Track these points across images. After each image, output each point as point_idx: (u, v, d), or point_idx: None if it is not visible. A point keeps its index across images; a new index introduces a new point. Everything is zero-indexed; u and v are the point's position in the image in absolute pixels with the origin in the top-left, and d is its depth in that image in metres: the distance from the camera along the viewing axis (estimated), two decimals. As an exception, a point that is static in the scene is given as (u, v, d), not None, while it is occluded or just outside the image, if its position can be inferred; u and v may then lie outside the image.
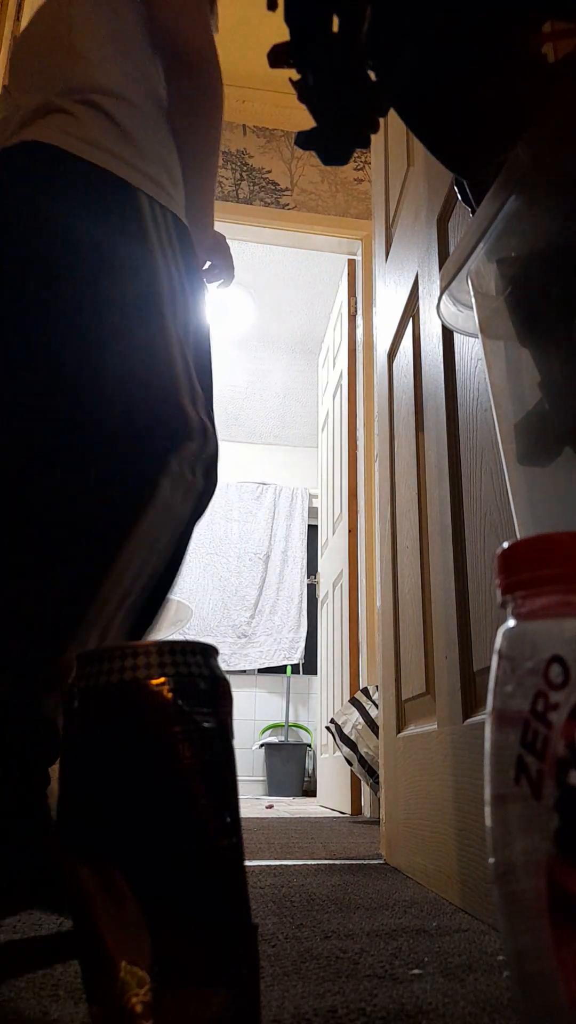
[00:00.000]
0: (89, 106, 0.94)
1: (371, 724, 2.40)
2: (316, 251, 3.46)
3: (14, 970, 0.61)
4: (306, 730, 5.09)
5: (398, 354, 1.44)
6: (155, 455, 0.85)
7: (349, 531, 3.03)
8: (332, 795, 3.06)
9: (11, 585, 0.81)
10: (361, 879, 1.09)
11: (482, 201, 0.56)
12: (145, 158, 0.95)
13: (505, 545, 0.33)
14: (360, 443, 3.02)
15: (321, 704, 3.45)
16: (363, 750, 2.39)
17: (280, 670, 5.16)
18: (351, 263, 3.31)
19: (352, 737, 2.46)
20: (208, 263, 1.18)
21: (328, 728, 2.71)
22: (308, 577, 5.26)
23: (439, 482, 1.06)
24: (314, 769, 4.69)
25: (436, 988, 0.53)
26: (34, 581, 0.81)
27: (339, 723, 2.57)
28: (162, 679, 0.36)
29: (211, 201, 1.10)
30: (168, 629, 3.83)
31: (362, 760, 2.39)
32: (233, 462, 5.27)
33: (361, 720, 2.46)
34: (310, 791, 4.69)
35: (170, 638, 0.95)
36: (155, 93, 1.01)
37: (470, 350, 0.95)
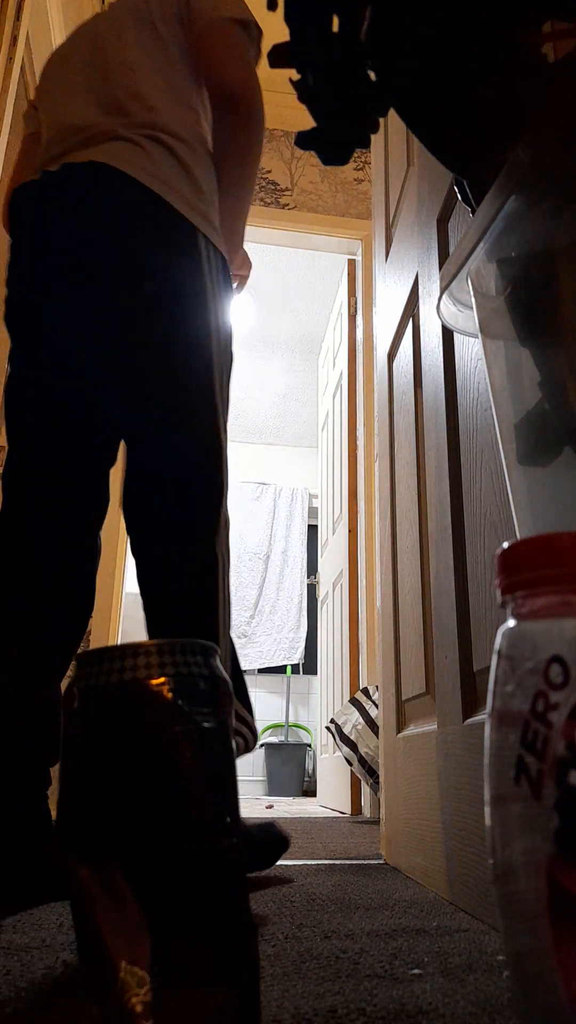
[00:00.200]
0: (156, 143, 1.05)
1: (371, 724, 2.40)
2: (316, 251, 3.46)
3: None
4: (306, 730, 5.09)
5: (398, 354, 1.44)
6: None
7: (349, 531, 3.03)
8: (332, 795, 3.06)
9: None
10: (361, 879, 1.09)
11: (482, 201, 0.56)
12: (203, 198, 1.08)
13: (505, 545, 0.33)
14: (360, 443, 3.02)
15: (321, 704, 3.45)
16: (363, 750, 2.39)
17: (280, 670, 5.16)
18: (351, 263, 3.31)
19: (352, 737, 2.46)
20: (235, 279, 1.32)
21: (328, 728, 2.71)
22: (308, 577, 5.26)
23: (439, 482, 1.06)
24: (314, 769, 4.69)
25: (436, 988, 0.53)
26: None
27: (339, 723, 2.57)
28: (162, 679, 0.36)
29: (244, 224, 1.21)
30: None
31: (362, 760, 2.39)
32: (233, 462, 5.26)
33: (361, 720, 2.46)
34: (310, 791, 4.70)
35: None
36: (203, 133, 1.14)
37: (470, 350, 0.95)
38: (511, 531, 0.75)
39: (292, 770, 4.66)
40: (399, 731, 1.27)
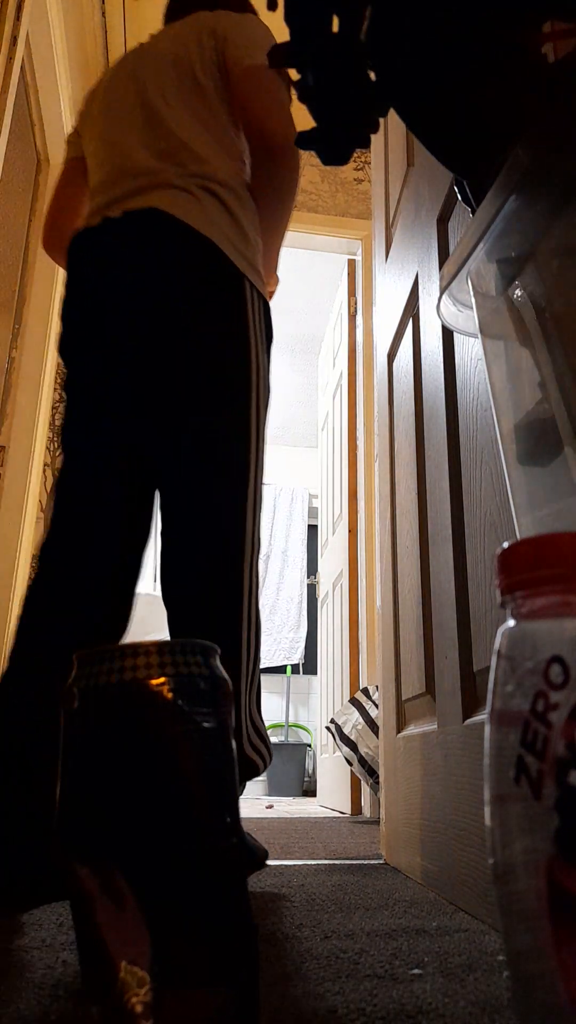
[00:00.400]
0: (207, 192, 1.13)
1: (371, 724, 2.40)
2: (316, 251, 3.46)
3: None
4: (306, 730, 5.09)
5: (398, 354, 1.44)
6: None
7: (349, 531, 3.03)
8: (332, 795, 3.06)
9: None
10: (361, 879, 1.09)
11: (482, 201, 0.56)
12: (248, 246, 1.16)
13: (505, 545, 0.33)
14: (360, 443, 3.02)
15: (321, 704, 3.45)
16: (363, 750, 2.39)
17: (280, 670, 5.16)
18: (351, 263, 3.31)
19: (352, 737, 2.46)
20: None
21: (328, 728, 2.71)
22: (308, 577, 5.26)
23: (439, 482, 1.06)
24: (314, 769, 4.69)
25: (436, 988, 0.53)
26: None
27: (339, 723, 2.57)
28: (162, 679, 0.36)
29: (279, 254, 1.34)
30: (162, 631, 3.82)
31: (362, 760, 2.39)
32: (233, 462, 5.25)
33: (361, 720, 2.46)
34: (310, 791, 4.70)
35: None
36: (245, 179, 1.21)
37: (470, 350, 0.95)
38: (511, 531, 0.75)
39: (292, 770, 4.66)
40: (399, 731, 1.27)
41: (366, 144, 0.66)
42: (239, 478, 1.10)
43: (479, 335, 0.63)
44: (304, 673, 5.19)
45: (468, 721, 0.88)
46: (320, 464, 3.82)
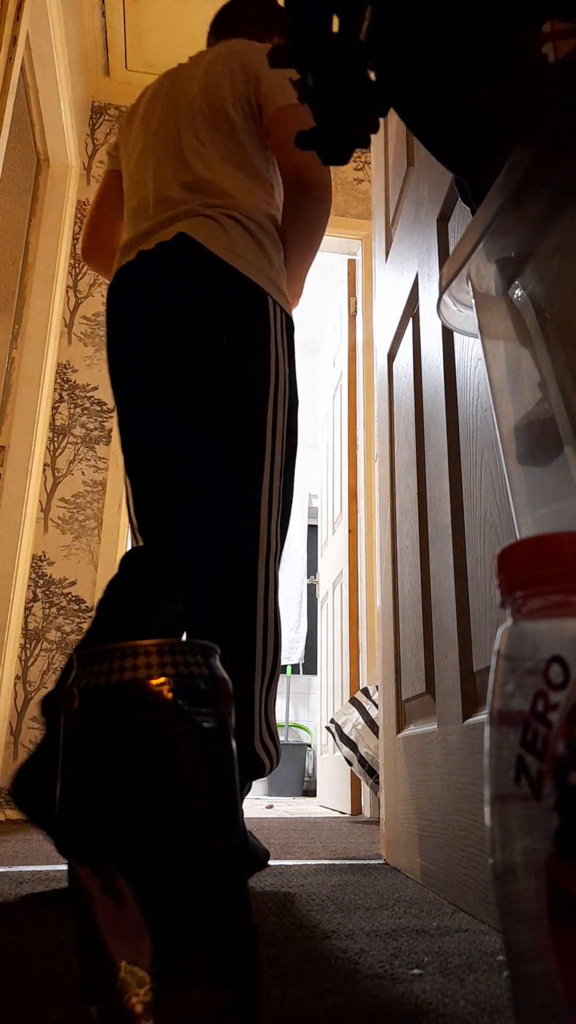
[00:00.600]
0: (231, 219, 1.21)
1: (371, 724, 2.40)
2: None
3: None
4: (306, 730, 5.09)
5: (398, 354, 1.44)
6: None
7: (349, 531, 3.03)
8: (332, 795, 3.06)
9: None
10: (361, 879, 1.09)
11: (482, 201, 0.56)
12: (272, 268, 1.23)
13: (505, 545, 0.33)
14: (360, 443, 3.02)
15: (321, 704, 3.45)
16: (363, 750, 2.39)
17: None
18: (351, 263, 3.31)
19: (352, 737, 2.46)
20: None
21: (328, 728, 2.71)
22: (308, 577, 5.26)
23: (439, 482, 1.06)
24: (314, 769, 4.69)
25: (436, 988, 0.53)
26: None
27: (339, 723, 2.57)
28: (162, 679, 0.36)
29: (303, 284, 1.40)
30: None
31: (362, 760, 2.39)
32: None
33: (361, 720, 2.46)
34: (310, 791, 4.70)
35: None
36: (273, 211, 1.29)
37: (470, 350, 0.95)
38: (511, 531, 0.75)
39: (292, 770, 4.66)
40: (399, 731, 1.27)
41: (366, 144, 0.66)
42: (251, 479, 1.12)
43: (479, 335, 0.63)
44: (304, 673, 5.20)
45: (468, 721, 0.88)
46: (320, 464, 3.82)
